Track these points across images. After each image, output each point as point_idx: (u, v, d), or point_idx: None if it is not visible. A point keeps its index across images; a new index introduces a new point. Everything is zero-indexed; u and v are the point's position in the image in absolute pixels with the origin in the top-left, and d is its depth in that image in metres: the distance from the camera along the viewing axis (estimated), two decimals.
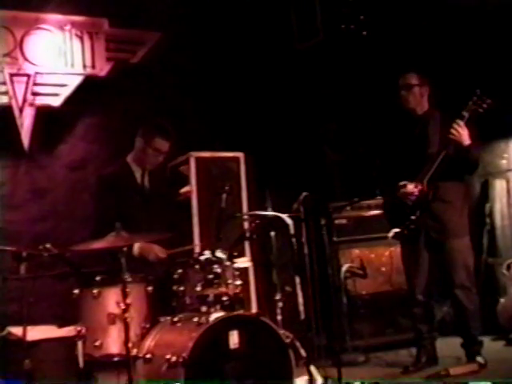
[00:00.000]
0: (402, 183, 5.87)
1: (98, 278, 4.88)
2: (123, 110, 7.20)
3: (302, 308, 5.22)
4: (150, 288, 4.98)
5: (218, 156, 6.97)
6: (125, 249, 4.69)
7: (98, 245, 4.75)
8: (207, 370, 4.45)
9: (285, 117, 7.70)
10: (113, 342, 4.81)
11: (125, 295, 4.62)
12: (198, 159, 6.79)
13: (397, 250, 6.51)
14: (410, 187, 5.82)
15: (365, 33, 7.40)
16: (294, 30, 7.83)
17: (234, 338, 4.57)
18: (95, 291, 4.83)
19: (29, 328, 4.66)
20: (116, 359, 4.80)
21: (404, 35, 7.31)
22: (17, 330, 4.85)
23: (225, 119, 7.55)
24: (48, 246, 4.81)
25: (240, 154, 7.01)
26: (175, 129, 5.88)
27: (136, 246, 5.42)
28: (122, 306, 4.62)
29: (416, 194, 5.80)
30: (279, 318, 5.21)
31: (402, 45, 7.31)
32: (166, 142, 5.74)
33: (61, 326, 5.12)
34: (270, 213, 5.50)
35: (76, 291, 4.91)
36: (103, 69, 7.24)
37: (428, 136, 5.97)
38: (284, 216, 5.21)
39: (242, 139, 7.25)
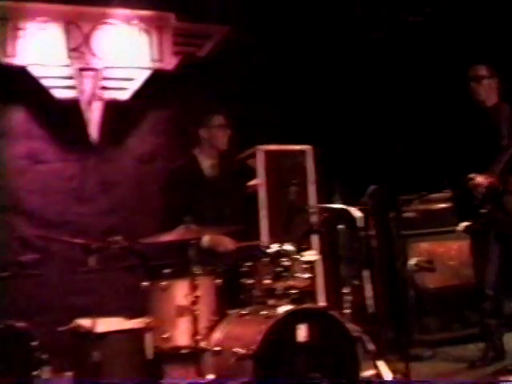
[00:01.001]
0: (471, 175, 5.78)
1: (167, 271, 4.90)
2: (190, 104, 7.16)
3: (370, 302, 5.15)
4: (218, 281, 4.98)
5: (286, 149, 6.92)
6: (193, 241, 4.69)
7: (168, 237, 4.76)
8: (275, 364, 4.41)
9: (353, 109, 7.60)
10: (181, 335, 4.83)
11: (194, 288, 4.64)
12: (265, 152, 6.77)
13: (465, 243, 6.38)
14: (480, 179, 5.73)
15: (429, 24, 7.28)
16: (359, 22, 7.72)
17: (302, 332, 4.52)
18: (164, 284, 4.86)
19: (98, 320, 4.69)
20: (184, 351, 4.80)
21: (472, 27, 7.17)
22: (86, 322, 4.89)
23: (293, 112, 7.48)
24: (118, 238, 4.83)
25: (308, 147, 6.96)
26: (243, 123, 5.90)
27: (205, 238, 5.42)
28: (191, 299, 4.65)
29: (485, 185, 5.71)
30: (347, 311, 5.15)
31: (471, 37, 7.17)
32: (220, 115, 5.89)
33: (129, 318, 5.14)
34: (338, 206, 5.44)
35: (145, 284, 4.93)
36: (171, 63, 7.24)
37: (498, 128, 5.87)
38: (352, 209, 5.14)
39: (310, 132, 7.17)
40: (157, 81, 7.16)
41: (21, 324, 5.79)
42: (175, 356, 4.90)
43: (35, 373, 5.77)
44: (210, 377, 4.59)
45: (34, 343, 5.76)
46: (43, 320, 6.34)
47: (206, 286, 4.87)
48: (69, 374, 6.04)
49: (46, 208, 6.78)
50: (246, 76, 7.48)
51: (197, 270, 4.70)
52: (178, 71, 7.28)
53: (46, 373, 5.90)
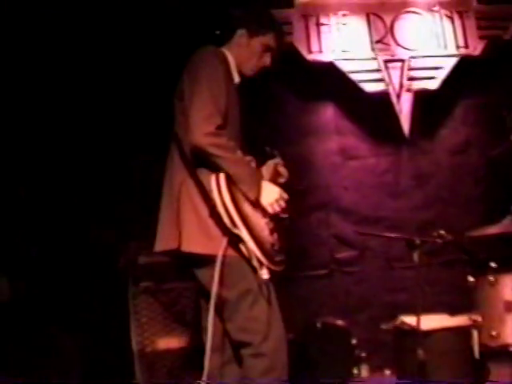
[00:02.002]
0: None
1: (493, 265, 4.82)
2: (502, 89, 6.99)
3: None
4: None
5: None
6: None
7: (494, 230, 4.70)
8: None
9: None
10: (510, 332, 4.72)
11: None
12: None
13: None
14: None
15: None
16: None
17: None
18: (491, 278, 4.78)
19: (422, 317, 4.70)
20: None
21: None
22: (410, 320, 4.92)
23: None
24: (442, 232, 4.82)
25: None
26: None
27: None
28: None
29: None
30: None
31: None
32: None
33: (452, 314, 5.12)
34: None
35: (471, 279, 4.88)
36: (476, 48, 7.09)
37: None
38: None
39: None
40: (465, 67, 7.03)
41: (340, 322, 5.96)
42: (503, 354, 4.80)
43: (354, 371, 5.93)
44: None
45: (354, 341, 5.91)
46: (362, 317, 6.53)
47: None
48: (388, 372, 6.14)
49: (361, 204, 6.90)
50: None
51: None
52: (486, 56, 7.10)
53: (364, 370, 6.05)
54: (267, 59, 4.16)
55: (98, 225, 6.00)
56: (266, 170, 4.10)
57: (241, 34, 4.11)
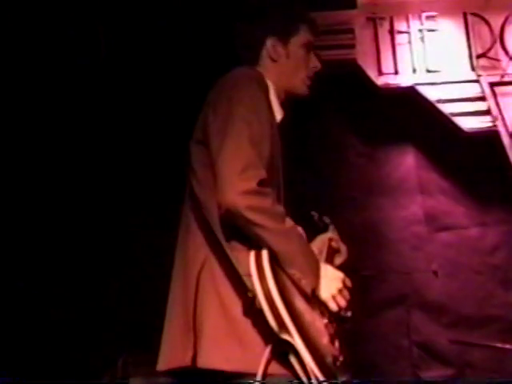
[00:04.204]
0: None
1: None
2: None
3: None
4: None
5: None
6: None
7: None
8: None
9: None
10: None
11: None
12: None
13: None
14: None
15: None
16: None
17: None
18: None
19: None
20: None
21: None
22: None
23: None
24: None
25: None
26: None
27: None
28: None
29: None
30: None
31: None
32: None
33: None
34: None
35: None
36: None
37: None
38: None
39: None
40: None
41: None
42: None
43: None
44: None
45: None
46: None
47: None
48: None
49: (458, 297, 6.79)
50: None
51: None
52: None
53: None
54: (315, 61, 4.10)
55: (77, 332, 6.04)
56: (318, 247, 3.99)
57: (271, 44, 4.03)
